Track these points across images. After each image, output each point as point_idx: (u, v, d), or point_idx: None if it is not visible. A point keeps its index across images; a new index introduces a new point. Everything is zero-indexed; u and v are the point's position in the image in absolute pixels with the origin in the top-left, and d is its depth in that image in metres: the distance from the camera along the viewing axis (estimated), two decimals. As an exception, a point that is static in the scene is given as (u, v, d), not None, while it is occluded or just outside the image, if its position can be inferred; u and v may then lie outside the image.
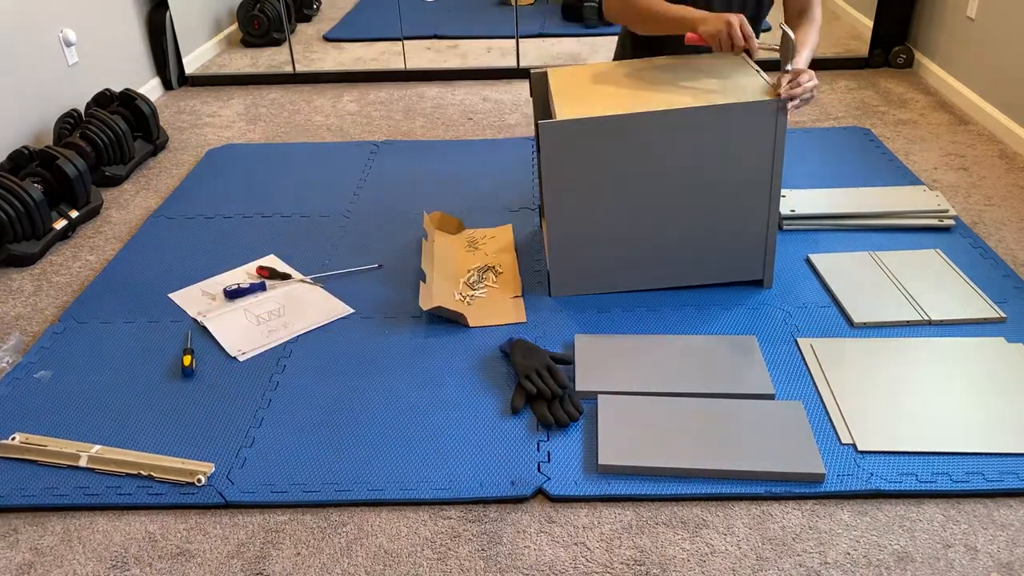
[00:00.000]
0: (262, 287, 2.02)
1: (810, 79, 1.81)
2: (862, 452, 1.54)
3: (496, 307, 2.00)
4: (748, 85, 1.87)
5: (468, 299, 2.03)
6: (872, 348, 1.80)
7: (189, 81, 3.74)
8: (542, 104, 2.02)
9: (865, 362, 1.76)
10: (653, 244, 1.96)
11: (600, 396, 1.67)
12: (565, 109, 1.85)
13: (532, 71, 2.03)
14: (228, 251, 2.31)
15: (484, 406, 1.69)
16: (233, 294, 2.04)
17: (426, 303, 1.93)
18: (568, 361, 1.78)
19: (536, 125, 1.82)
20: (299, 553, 1.40)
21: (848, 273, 2.06)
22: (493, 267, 2.15)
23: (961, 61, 3.16)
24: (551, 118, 1.83)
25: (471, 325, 1.93)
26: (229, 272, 2.19)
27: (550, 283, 2.02)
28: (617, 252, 1.97)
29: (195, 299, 2.07)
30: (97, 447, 1.60)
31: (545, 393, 1.66)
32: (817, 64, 3.60)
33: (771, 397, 1.67)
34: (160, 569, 1.38)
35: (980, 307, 1.91)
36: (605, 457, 1.52)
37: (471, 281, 2.10)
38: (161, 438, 1.64)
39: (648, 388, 1.69)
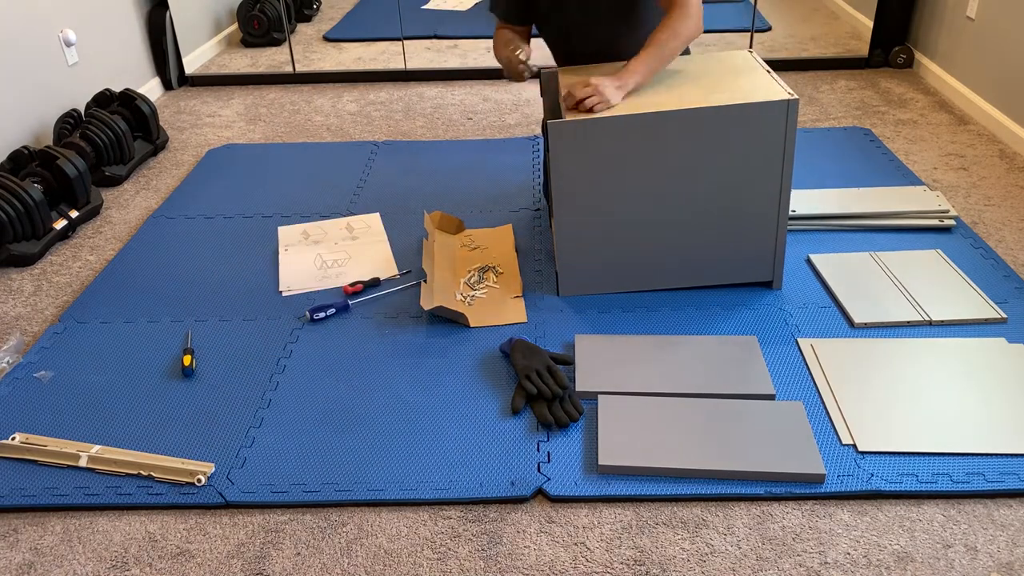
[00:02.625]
0: (346, 307, 2.02)
1: (592, 97, 1.83)
2: (862, 452, 1.54)
3: (497, 307, 2.00)
4: (758, 85, 1.87)
5: (469, 299, 2.03)
6: (873, 349, 1.80)
7: (189, 81, 3.74)
8: (552, 104, 2.02)
9: (866, 363, 1.76)
10: (663, 245, 1.96)
11: (600, 396, 1.67)
12: None
13: (542, 70, 2.02)
14: (228, 251, 2.31)
15: (484, 406, 1.69)
16: (315, 311, 1.99)
17: (427, 303, 1.92)
18: (568, 361, 1.78)
19: (545, 125, 1.82)
20: (299, 553, 1.40)
21: (849, 273, 2.06)
22: (494, 267, 2.15)
23: (961, 61, 3.16)
24: (561, 118, 1.83)
25: (472, 325, 1.93)
26: (331, 220, 2.46)
27: (558, 282, 2.02)
28: (626, 252, 1.97)
29: (292, 234, 2.36)
30: (97, 447, 1.60)
31: (545, 393, 1.66)
32: (817, 64, 3.60)
33: (772, 397, 1.67)
34: (160, 569, 1.38)
35: (981, 308, 1.91)
36: (605, 457, 1.52)
37: (471, 281, 2.10)
38: (161, 438, 1.64)
39: (649, 388, 1.69)
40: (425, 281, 2.00)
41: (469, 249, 2.26)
